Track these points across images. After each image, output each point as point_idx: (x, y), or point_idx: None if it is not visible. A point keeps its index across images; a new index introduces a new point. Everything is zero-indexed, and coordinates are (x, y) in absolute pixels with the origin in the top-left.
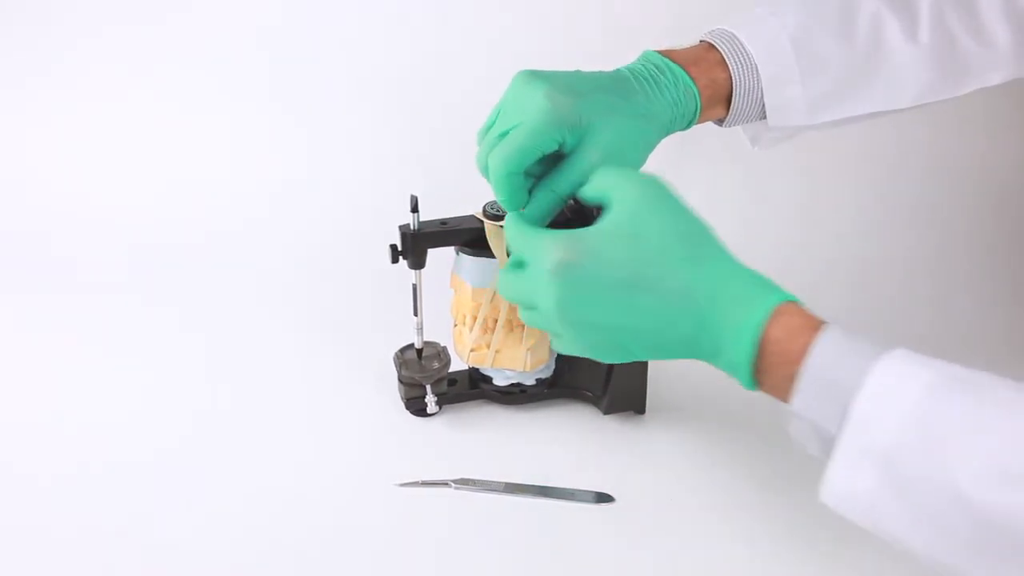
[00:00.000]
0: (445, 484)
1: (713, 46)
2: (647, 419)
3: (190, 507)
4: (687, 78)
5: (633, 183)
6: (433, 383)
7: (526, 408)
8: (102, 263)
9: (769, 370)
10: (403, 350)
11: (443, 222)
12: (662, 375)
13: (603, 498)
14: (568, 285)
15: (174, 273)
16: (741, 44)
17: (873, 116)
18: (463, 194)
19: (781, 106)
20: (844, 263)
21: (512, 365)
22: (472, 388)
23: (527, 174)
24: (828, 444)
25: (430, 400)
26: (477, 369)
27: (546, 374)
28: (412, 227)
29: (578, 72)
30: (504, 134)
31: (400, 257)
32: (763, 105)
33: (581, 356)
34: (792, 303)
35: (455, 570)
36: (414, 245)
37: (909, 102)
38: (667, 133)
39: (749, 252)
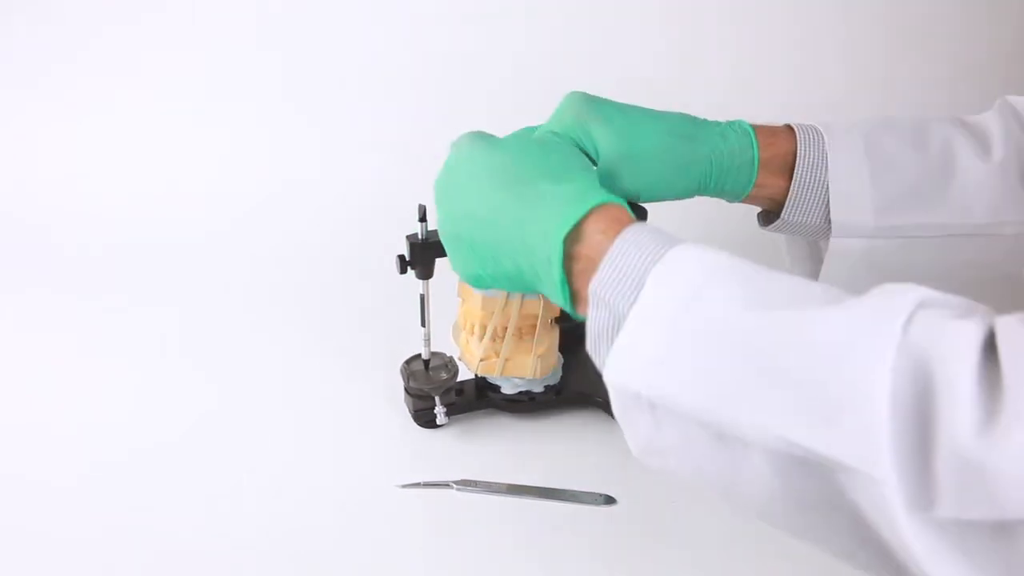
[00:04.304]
0: (447, 485)
1: (790, 126)
2: None
3: (192, 507)
4: (747, 127)
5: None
6: (441, 394)
7: (534, 416)
8: (104, 264)
9: (581, 274)
10: (410, 361)
11: None
12: None
13: (606, 500)
14: (452, 159)
15: (179, 277)
16: (815, 127)
17: (944, 233)
18: None
19: (846, 195)
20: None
21: (521, 373)
22: (480, 397)
23: None
24: (619, 324)
25: (439, 411)
26: (484, 378)
27: (554, 381)
28: (420, 236)
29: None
30: None
31: (408, 267)
32: (827, 201)
33: (455, 266)
34: (616, 204)
35: (455, 571)
36: (423, 255)
37: (982, 218)
38: (714, 169)
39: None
